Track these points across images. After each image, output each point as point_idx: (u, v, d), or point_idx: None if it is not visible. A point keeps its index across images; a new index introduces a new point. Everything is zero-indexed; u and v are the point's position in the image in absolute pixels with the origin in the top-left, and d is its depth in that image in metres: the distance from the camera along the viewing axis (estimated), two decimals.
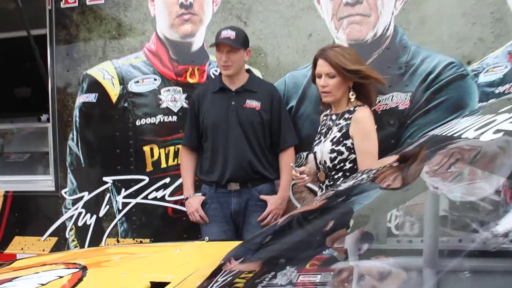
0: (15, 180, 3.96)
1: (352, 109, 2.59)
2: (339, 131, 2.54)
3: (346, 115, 2.58)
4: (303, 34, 3.32)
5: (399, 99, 3.16)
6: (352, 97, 2.61)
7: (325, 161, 2.57)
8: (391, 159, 1.91)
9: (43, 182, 3.85)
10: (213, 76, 3.44)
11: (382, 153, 3.19)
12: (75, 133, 3.72)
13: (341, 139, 2.52)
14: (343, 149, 2.51)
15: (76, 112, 3.72)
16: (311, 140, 2.86)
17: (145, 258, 2.01)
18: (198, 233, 3.29)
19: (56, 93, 3.76)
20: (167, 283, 1.60)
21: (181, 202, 3.49)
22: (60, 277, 1.77)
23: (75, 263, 1.94)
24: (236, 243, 1.99)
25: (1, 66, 4.91)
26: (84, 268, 1.85)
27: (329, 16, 3.28)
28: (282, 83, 3.35)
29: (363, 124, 2.52)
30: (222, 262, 1.68)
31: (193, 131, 3.21)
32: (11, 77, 5.05)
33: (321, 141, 2.63)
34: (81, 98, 3.70)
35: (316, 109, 3.08)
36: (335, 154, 2.52)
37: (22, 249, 3.87)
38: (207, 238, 2.33)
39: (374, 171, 1.88)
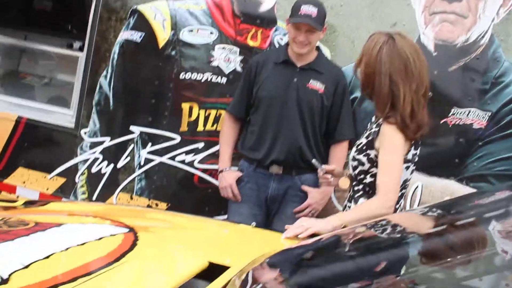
0: (31, 106, 4.17)
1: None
2: (367, 137, 2.56)
3: (381, 121, 2.53)
4: (387, 21, 3.49)
5: (475, 117, 3.35)
6: None
7: (349, 167, 2.65)
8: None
9: (62, 116, 4.05)
10: (277, 45, 3.63)
11: (441, 169, 3.43)
12: (109, 70, 3.90)
13: (364, 147, 2.53)
14: (364, 159, 2.52)
15: (115, 48, 3.88)
16: None
17: (196, 233, 2.25)
18: (221, 209, 3.54)
19: (98, 22, 3.94)
20: (226, 267, 1.84)
21: (210, 172, 3.72)
22: (112, 235, 2.01)
23: (121, 222, 2.18)
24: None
25: None
26: (133, 230, 2.09)
27: (421, 7, 3.45)
28: (351, 69, 3.52)
29: (390, 137, 2.47)
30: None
31: (243, 100, 3.42)
32: None
33: (356, 143, 2.66)
34: (125, 35, 3.87)
35: None
36: (356, 163, 2.55)
37: (24, 182, 4.12)
38: (253, 223, 2.58)
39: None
